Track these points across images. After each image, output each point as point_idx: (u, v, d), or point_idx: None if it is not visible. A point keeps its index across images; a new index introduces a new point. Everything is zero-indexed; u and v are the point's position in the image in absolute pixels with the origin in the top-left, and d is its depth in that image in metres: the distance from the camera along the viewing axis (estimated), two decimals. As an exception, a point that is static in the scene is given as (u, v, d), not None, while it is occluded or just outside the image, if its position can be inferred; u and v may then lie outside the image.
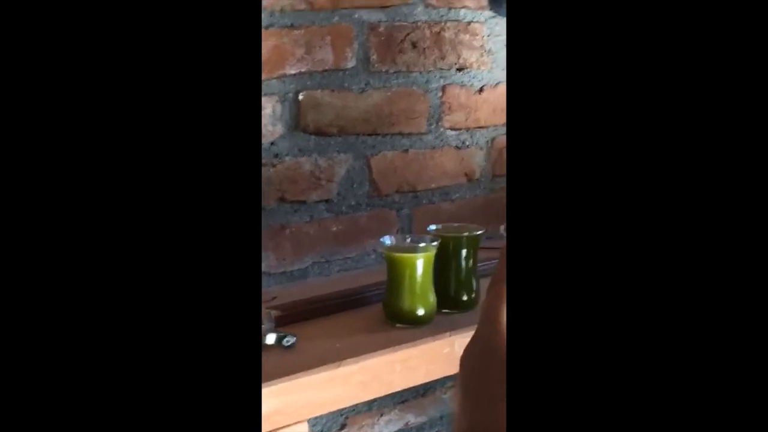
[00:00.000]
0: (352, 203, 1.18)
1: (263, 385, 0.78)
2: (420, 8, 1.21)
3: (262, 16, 1.06)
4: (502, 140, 1.32)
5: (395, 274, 0.95)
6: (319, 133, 1.14)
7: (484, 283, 1.00)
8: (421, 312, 0.95)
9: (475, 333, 0.52)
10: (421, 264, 0.94)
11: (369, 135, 1.19)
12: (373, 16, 1.17)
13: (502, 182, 1.33)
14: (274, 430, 0.81)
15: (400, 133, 1.22)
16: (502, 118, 1.32)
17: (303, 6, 1.10)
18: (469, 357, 0.52)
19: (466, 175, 1.30)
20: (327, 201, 1.16)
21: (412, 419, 1.27)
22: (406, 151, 1.23)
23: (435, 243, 0.96)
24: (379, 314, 0.98)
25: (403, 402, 1.25)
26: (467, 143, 1.29)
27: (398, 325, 0.95)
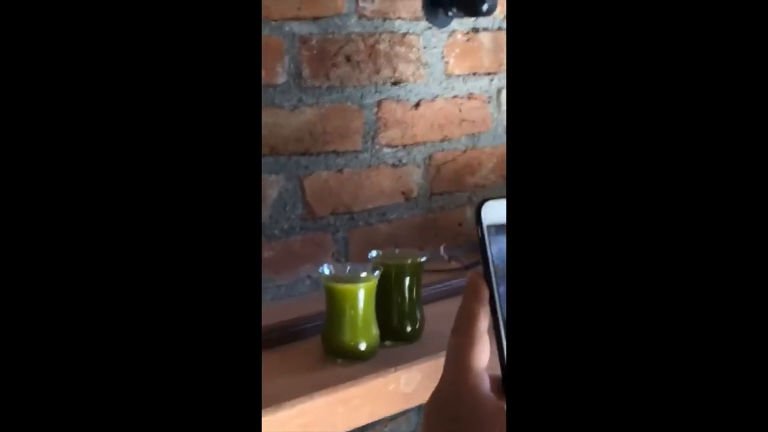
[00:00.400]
0: (285, 227, 1.11)
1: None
2: (353, 20, 1.15)
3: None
4: (440, 157, 1.27)
5: (335, 305, 0.89)
6: (249, 153, 1.07)
7: (428, 310, 0.96)
8: (363, 346, 0.89)
9: (441, 378, 0.50)
10: (362, 294, 0.88)
11: (302, 154, 1.12)
12: (304, 29, 1.10)
13: (441, 201, 1.28)
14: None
15: (335, 152, 1.15)
16: (439, 134, 1.27)
17: (229, 17, 1.03)
18: (434, 403, 0.50)
19: (403, 194, 1.24)
20: (258, 225, 1.09)
21: (352, 453, 1.21)
22: (341, 170, 1.16)
23: (377, 272, 0.90)
24: (318, 348, 0.91)
25: (342, 437, 1.18)
26: (404, 161, 1.23)
27: (339, 360, 0.89)
